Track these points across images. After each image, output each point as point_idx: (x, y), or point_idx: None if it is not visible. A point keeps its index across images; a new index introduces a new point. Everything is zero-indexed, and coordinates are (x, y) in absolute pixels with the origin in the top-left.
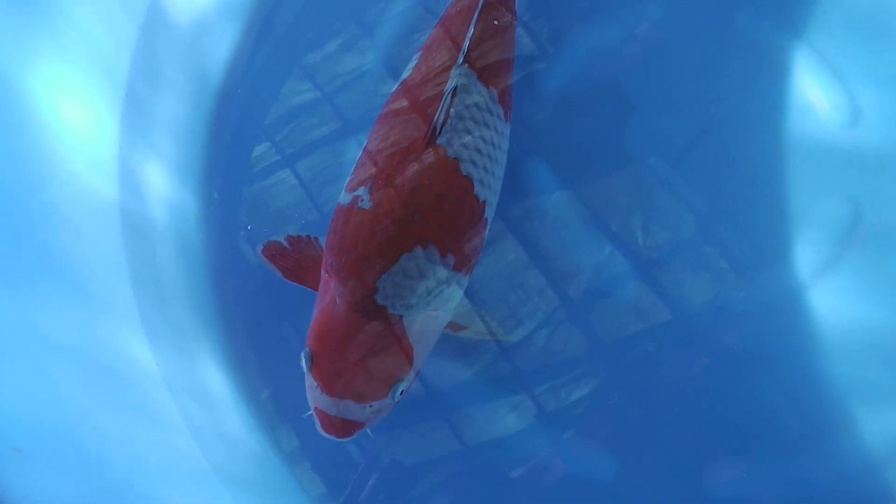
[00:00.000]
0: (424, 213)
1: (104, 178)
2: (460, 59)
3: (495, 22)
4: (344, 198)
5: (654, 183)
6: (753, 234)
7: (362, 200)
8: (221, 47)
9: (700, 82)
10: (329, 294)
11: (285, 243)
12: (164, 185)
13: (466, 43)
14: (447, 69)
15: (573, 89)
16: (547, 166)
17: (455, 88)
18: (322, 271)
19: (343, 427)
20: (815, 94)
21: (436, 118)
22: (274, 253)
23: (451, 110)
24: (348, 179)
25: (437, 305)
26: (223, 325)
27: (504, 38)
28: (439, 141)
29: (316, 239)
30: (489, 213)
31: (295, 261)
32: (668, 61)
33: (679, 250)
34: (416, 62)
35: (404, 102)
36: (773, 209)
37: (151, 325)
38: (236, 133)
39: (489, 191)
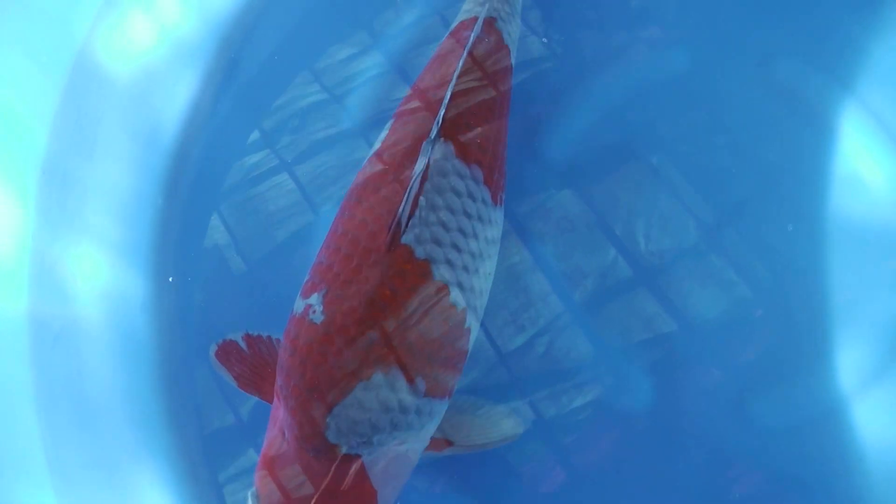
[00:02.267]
0: (385, 331)
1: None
2: (433, 132)
3: (477, 83)
4: (298, 304)
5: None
6: (793, 331)
7: (314, 312)
8: (176, 99)
9: (732, 143)
10: (278, 424)
11: (242, 344)
12: (100, 274)
13: (442, 111)
14: (420, 143)
15: (587, 147)
16: (552, 163)
17: (426, 170)
18: (275, 389)
19: None
20: (866, 162)
21: (400, 211)
22: (229, 356)
23: (421, 198)
24: (306, 279)
25: (405, 438)
26: (172, 441)
27: (495, 98)
28: (405, 239)
29: (277, 341)
30: (472, 320)
31: (252, 367)
32: (695, 116)
33: None
34: (386, 132)
35: (369, 185)
36: (814, 299)
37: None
38: (193, 197)
39: (472, 294)
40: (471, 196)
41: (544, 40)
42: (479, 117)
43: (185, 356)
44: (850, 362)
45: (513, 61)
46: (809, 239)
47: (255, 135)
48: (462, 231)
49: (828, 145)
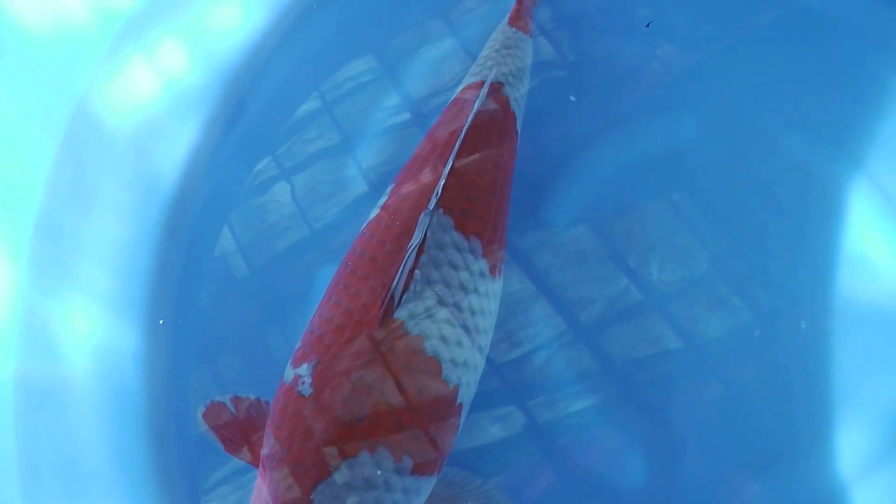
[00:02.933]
0: (374, 410)
1: None
2: (432, 203)
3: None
4: (288, 373)
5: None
6: (791, 417)
7: (303, 383)
8: (177, 147)
9: (736, 216)
10: (262, 497)
11: (230, 406)
12: (92, 329)
13: (441, 182)
14: (418, 213)
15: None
16: (568, 199)
17: (422, 243)
18: (261, 458)
19: None
20: (875, 242)
21: (393, 284)
22: (217, 418)
23: (417, 272)
24: (297, 345)
25: None
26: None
27: (498, 168)
28: (398, 314)
29: (266, 403)
30: (465, 395)
31: (240, 431)
32: (703, 185)
33: None
34: (385, 198)
35: (365, 255)
36: (815, 385)
37: None
38: (192, 246)
39: (465, 370)
40: (468, 269)
41: (572, 98)
42: (481, 188)
43: (177, 411)
44: (850, 447)
45: (519, 127)
46: (814, 323)
47: (256, 180)
48: (457, 306)
49: (833, 222)
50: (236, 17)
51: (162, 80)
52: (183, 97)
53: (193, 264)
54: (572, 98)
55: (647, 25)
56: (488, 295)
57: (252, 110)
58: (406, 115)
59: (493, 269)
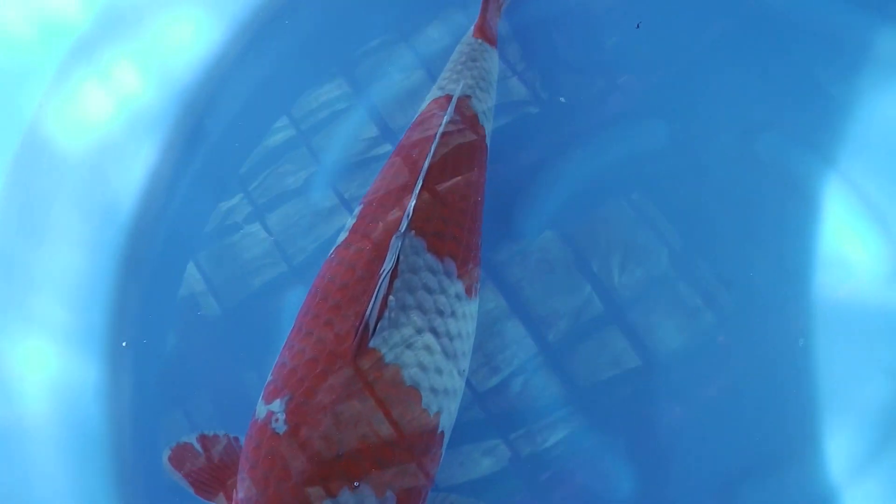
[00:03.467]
0: (353, 445)
1: None
2: (403, 225)
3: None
4: (259, 409)
5: None
6: (781, 422)
7: (277, 420)
8: (134, 171)
9: (710, 217)
10: None
11: (197, 446)
12: (48, 366)
13: (412, 203)
14: (389, 236)
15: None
16: (534, 208)
17: (395, 267)
18: (235, 501)
19: None
20: (849, 239)
21: (367, 313)
22: (184, 461)
23: (391, 298)
24: (268, 380)
25: None
26: None
27: (469, 185)
28: (373, 343)
29: (236, 439)
30: (446, 422)
31: (209, 472)
32: (675, 190)
33: None
34: (353, 221)
35: (336, 281)
36: (799, 389)
37: None
38: (154, 274)
39: (445, 396)
40: (444, 292)
41: (562, 100)
42: (453, 207)
43: (144, 451)
44: (836, 452)
45: (488, 141)
46: (792, 320)
47: (221, 205)
48: (434, 331)
49: (809, 221)
50: (191, 35)
51: (116, 102)
52: (139, 118)
53: (157, 295)
54: (562, 99)
55: (637, 26)
56: (466, 317)
57: (213, 135)
58: (383, 144)
59: (469, 290)
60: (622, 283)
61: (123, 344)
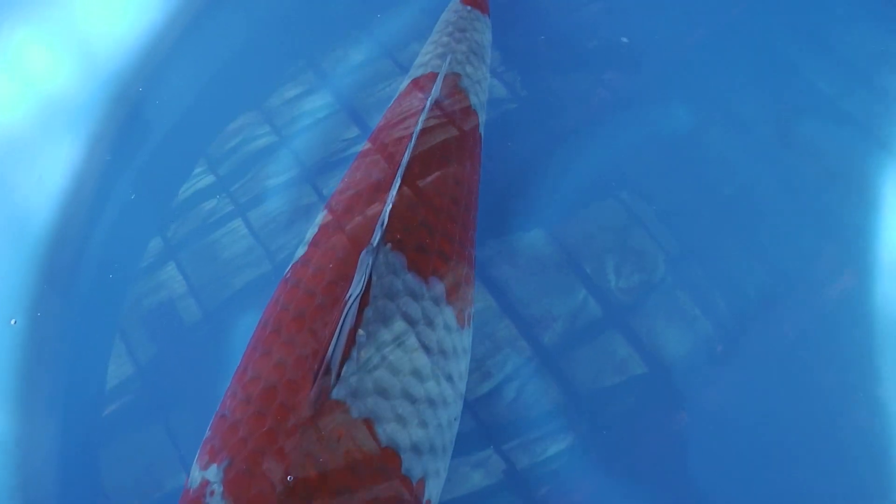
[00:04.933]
0: None
1: None
2: (376, 237)
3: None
4: (193, 474)
5: None
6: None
7: (212, 493)
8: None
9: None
10: None
11: None
12: None
13: (388, 207)
14: (359, 251)
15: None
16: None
17: (365, 292)
18: None
19: None
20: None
21: (329, 352)
22: None
23: (360, 332)
24: (206, 434)
25: None
26: None
27: (460, 183)
28: (336, 393)
29: None
30: (433, 489)
31: None
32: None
33: None
34: (315, 231)
35: (290, 309)
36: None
37: None
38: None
39: (432, 456)
40: (429, 323)
41: (624, 40)
42: (440, 212)
43: None
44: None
45: (482, 130)
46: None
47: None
48: (417, 373)
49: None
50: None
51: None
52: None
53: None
54: (625, 39)
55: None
56: (457, 353)
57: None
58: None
59: (460, 317)
60: (619, 287)
61: (13, 322)
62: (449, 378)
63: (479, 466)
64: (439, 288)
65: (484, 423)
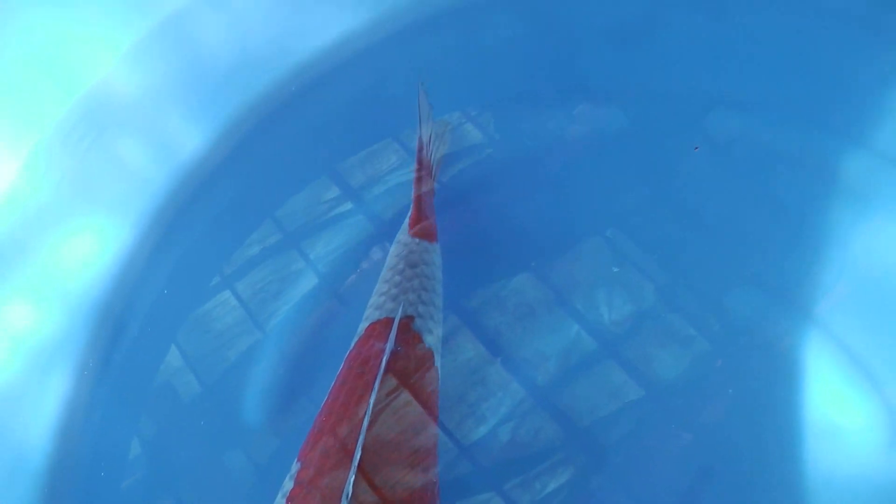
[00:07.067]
0: None
1: None
2: (349, 487)
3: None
4: None
5: None
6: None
7: None
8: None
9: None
10: None
11: None
12: None
13: (351, 478)
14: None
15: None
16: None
17: None
18: None
19: None
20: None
21: None
22: None
23: None
24: None
25: None
26: None
27: (420, 429)
28: None
29: None
30: None
31: None
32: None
33: None
34: (291, 486)
35: None
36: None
37: None
38: None
39: None
40: None
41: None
42: (402, 466)
43: None
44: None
45: (438, 362)
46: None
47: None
48: None
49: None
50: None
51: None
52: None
53: None
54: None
55: (696, 149)
56: None
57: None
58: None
59: None
60: (612, 320)
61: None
62: None
63: None
64: None
65: (482, 467)
